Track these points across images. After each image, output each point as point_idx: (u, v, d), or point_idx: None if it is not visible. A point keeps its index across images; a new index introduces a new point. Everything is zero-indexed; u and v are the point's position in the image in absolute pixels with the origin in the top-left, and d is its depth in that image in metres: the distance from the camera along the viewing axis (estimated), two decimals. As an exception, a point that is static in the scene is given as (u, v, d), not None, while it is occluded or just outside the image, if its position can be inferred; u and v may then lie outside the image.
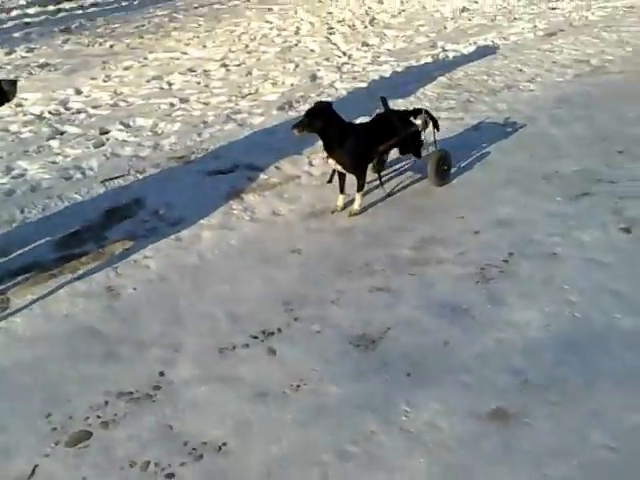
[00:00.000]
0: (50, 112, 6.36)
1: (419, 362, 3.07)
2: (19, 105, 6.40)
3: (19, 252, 4.05)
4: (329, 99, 4.52)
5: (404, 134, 4.41)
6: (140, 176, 4.89)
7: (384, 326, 3.30)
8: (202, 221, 4.26)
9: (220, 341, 3.27)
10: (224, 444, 2.72)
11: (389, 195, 4.42)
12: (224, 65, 7.27)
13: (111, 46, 8.52)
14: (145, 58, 7.89)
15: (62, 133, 5.86)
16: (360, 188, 4.26)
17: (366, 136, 4.23)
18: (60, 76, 7.31)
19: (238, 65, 7.21)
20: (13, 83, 3.77)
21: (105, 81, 7.17)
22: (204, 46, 8.03)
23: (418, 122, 4.46)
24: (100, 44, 8.60)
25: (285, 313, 3.43)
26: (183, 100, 6.37)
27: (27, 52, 8.27)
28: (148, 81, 7.03)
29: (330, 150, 4.16)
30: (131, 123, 5.95)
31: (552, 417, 2.75)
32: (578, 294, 3.42)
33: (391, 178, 4.75)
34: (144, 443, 2.75)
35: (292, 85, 6.46)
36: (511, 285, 3.55)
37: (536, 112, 5.67)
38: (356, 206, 4.28)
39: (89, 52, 8.33)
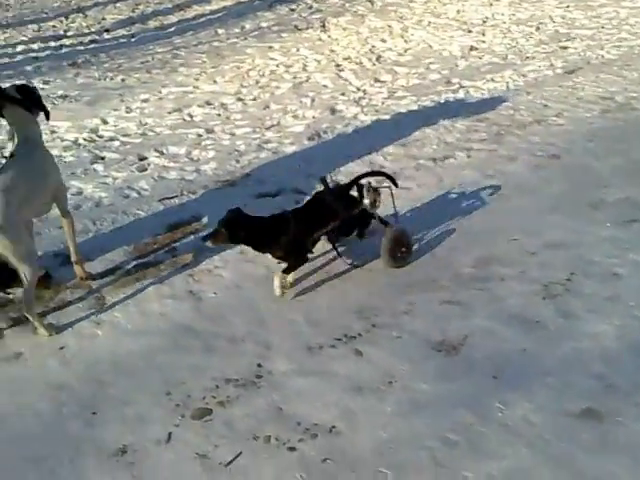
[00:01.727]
0: (85, 139, 6.76)
1: (503, 366, 3.32)
2: (53, 132, 6.79)
3: (100, 258, 4.46)
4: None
5: (345, 215, 4.01)
6: (192, 196, 5.33)
7: (461, 334, 3.57)
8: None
9: (307, 341, 3.64)
10: (334, 427, 3.08)
11: (355, 266, 4.16)
12: (240, 99, 7.73)
13: (122, 80, 8.91)
14: (159, 92, 8.29)
15: (103, 158, 6.28)
16: (287, 270, 3.96)
17: (298, 225, 3.89)
18: (82, 107, 7.70)
19: (254, 99, 7.67)
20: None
21: (127, 112, 7.56)
22: (214, 81, 8.49)
23: (366, 201, 4.05)
24: (111, 78, 9.00)
25: (361, 320, 3.75)
26: (209, 131, 6.81)
27: (43, 84, 8.63)
28: (169, 113, 7.43)
29: (263, 250, 3.97)
30: (165, 151, 6.37)
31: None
32: (646, 311, 3.59)
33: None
34: (260, 421, 3.14)
35: (314, 117, 6.93)
36: (578, 301, 3.74)
37: (570, 145, 5.73)
38: (276, 285, 3.95)
39: (103, 85, 8.72)
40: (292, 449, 2.97)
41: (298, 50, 9.50)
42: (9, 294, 4.07)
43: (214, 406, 3.25)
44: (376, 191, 4.06)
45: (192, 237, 4.75)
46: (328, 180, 4.21)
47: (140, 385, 3.38)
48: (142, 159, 6.20)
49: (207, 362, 3.54)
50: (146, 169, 5.97)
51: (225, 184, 5.55)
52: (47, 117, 4.13)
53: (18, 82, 4.52)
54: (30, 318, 3.78)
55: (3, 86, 3.99)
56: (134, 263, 4.47)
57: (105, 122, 7.23)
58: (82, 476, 2.86)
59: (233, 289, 4.16)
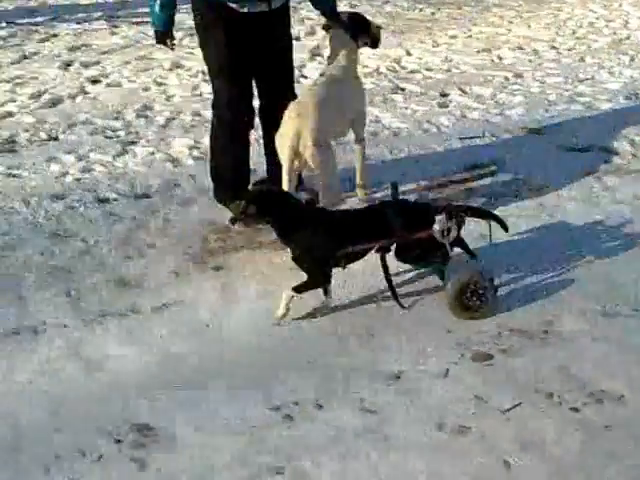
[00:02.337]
0: (387, 68, 6.76)
1: None
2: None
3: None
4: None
5: (400, 239, 3.27)
6: (494, 139, 5.10)
7: None
8: (563, 193, 4.38)
9: (603, 305, 3.36)
10: (622, 396, 2.81)
11: (402, 307, 3.30)
12: (553, 47, 7.31)
13: (432, 13, 8.81)
14: (469, 29, 8.10)
15: (403, 89, 6.23)
16: (300, 287, 3.22)
17: (327, 229, 3.26)
18: (388, 36, 7.68)
19: (569, 50, 7.21)
20: (379, 28, 4.18)
21: (434, 46, 7.47)
22: (529, 26, 8.10)
23: (437, 226, 3.21)
24: (421, 10, 8.93)
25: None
26: (517, 75, 6.49)
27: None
28: (477, 52, 7.23)
29: (285, 240, 3.31)
30: (468, 90, 6.17)
31: None
32: None
33: None
34: (544, 376, 2.92)
35: (632, 77, 6.37)
36: None
37: None
38: (282, 305, 3.22)
39: (412, 16, 8.68)
40: (575, 410, 2.74)
41: (621, 5, 8.78)
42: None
43: (495, 352, 3.07)
44: (459, 219, 3.26)
45: (488, 180, 4.53)
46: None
47: (422, 319, 3.28)
48: (444, 95, 6.06)
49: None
50: (447, 106, 5.82)
51: (531, 131, 5.24)
52: (374, 46, 4.20)
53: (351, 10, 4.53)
54: None
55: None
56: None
57: (409, 54, 7.18)
58: (354, 392, 2.84)
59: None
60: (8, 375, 2.96)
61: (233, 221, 3.26)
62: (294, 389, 2.83)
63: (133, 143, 5.19)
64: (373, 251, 3.28)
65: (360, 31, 4.08)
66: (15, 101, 6.05)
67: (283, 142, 3.69)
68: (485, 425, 2.66)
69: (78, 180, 4.58)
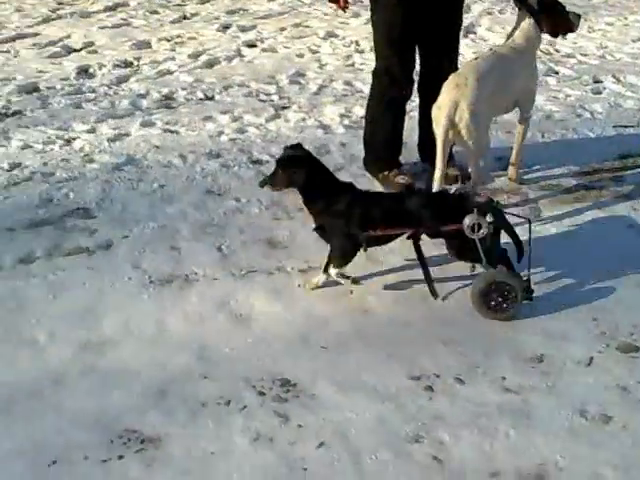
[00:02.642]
0: (542, 50, 6.48)
1: None
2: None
3: (539, 166, 4.37)
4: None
5: (427, 228, 3.14)
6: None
7: None
8: None
9: None
10: None
11: (437, 296, 3.16)
12: None
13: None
14: (625, 17, 7.81)
15: (557, 72, 6.08)
16: (329, 264, 3.20)
17: (353, 205, 3.11)
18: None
19: None
20: (578, 17, 3.98)
21: (589, 32, 7.22)
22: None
23: (467, 220, 3.02)
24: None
25: None
26: (676, 67, 6.15)
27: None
28: (633, 41, 6.99)
29: (311, 207, 3.20)
30: (622, 78, 5.94)
31: None
32: None
33: None
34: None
35: None
36: None
37: None
38: (316, 279, 3.24)
39: (568, 1, 8.32)
40: None
41: None
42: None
43: (640, 344, 2.94)
44: (491, 215, 3.08)
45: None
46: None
47: (566, 304, 3.18)
48: (597, 82, 5.87)
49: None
50: (601, 92, 5.65)
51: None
52: (554, 34, 4.13)
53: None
54: None
55: None
56: (575, 182, 4.22)
57: (564, 37, 6.87)
58: (496, 371, 2.80)
59: None
60: (160, 321, 3.10)
61: (262, 184, 3.19)
62: (435, 362, 2.82)
63: (285, 108, 5.29)
64: (404, 237, 3.17)
65: (550, 16, 3.93)
66: (174, 59, 6.30)
67: (440, 113, 3.65)
68: (628, 416, 2.57)
69: (233, 140, 4.72)
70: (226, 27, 7.21)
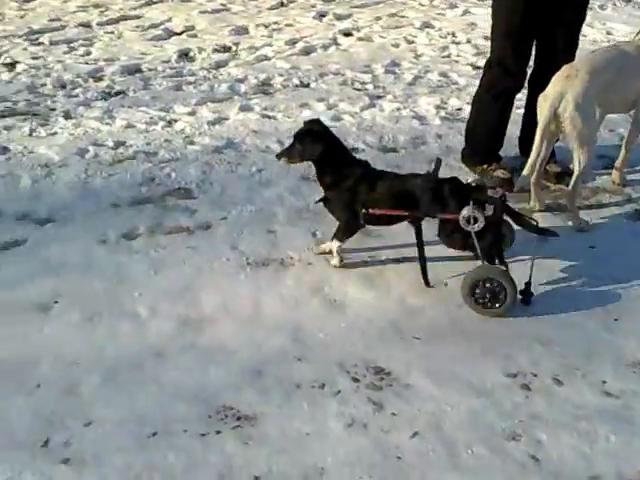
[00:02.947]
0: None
1: None
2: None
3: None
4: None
5: (423, 212, 3.13)
6: None
7: None
8: None
9: None
10: None
11: (428, 284, 3.21)
12: None
13: None
14: None
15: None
16: (337, 235, 3.30)
17: (357, 182, 3.18)
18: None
19: None
20: None
21: None
22: None
23: (465, 212, 3.01)
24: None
25: None
26: None
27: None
28: None
29: (323, 178, 3.28)
30: None
31: None
32: None
33: None
34: None
35: None
36: None
37: None
38: (330, 257, 3.37)
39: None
40: None
41: None
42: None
43: None
44: (497, 215, 3.03)
45: None
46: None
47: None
48: None
49: None
50: None
51: None
52: None
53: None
54: (569, 206, 3.73)
55: None
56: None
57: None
58: (595, 374, 2.76)
59: None
60: (256, 302, 3.16)
61: (279, 156, 3.30)
62: (532, 361, 2.79)
63: (380, 97, 5.29)
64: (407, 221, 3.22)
65: None
66: (271, 46, 6.36)
67: (545, 103, 3.58)
68: None
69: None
70: (322, 15, 7.25)
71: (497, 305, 3.04)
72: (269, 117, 4.94)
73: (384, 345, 2.89)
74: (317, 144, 3.19)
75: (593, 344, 2.92)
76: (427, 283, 3.20)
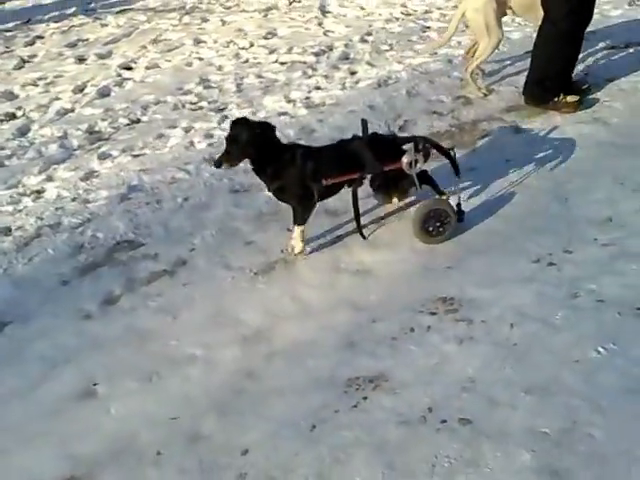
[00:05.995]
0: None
1: None
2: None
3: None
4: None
5: (371, 170, 3.48)
6: None
7: None
8: None
9: None
10: None
11: (363, 237, 3.59)
12: None
13: None
14: None
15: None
16: (296, 220, 3.51)
17: (304, 163, 3.37)
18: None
19: None
20: None
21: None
22: None
23: (405, 159, 3.44)
24: None
25: None
26: None
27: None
28: None
29: (262, 176, 3.45)
30: None
31: None
32: None
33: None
34: None
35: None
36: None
37: None
38: (294, 243, 3.57)
39: None
40: None
41: None
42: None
43: None
44: (425, 152, 3.49)
45: None
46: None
47: None
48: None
49: None
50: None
51: None
52: None
53: None
54: (470, 81, 5.11)
55: None
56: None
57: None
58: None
59: None
60: (296, 297, 3.34)
61: (218, 164, 3.33)
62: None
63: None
64: (346, 186, 3.51)
65: None
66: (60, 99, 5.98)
67: (458, 10, 5.02)
68: None
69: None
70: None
71: (444, 231, 3.55)
72: (136, 156, 4.82)
73: (420, 286, 3.33)
74: (253, 139, 3.24)
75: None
76: (362, 236, 3.54)
